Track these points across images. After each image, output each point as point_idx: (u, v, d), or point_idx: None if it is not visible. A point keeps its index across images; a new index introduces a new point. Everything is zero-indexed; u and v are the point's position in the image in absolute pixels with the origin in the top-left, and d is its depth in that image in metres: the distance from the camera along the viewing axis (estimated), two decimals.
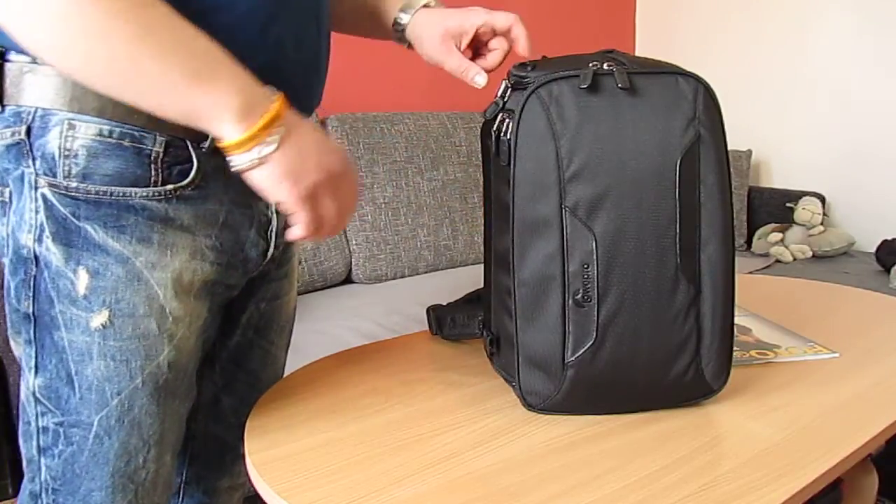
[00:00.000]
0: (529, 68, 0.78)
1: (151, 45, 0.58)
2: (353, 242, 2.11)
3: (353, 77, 2.37)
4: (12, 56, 0.66)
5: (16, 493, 1.63)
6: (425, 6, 0.89)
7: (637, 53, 3.04)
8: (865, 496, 1.13)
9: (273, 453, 0.72)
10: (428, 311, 1.04)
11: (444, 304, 1.04)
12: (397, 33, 0.91)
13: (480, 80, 0.86)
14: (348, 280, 2.14)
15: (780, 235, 2.55)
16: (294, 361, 1.00)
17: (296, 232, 0.68)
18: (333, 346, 1.45)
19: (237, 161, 0.63)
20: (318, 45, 0.79)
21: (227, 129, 0.61)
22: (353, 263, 2.11)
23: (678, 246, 0.75)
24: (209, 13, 0.65)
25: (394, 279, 2.17)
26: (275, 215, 0.82)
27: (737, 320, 1.07)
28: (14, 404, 1.60)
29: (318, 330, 1.67)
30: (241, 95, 0.61)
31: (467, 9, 0.87)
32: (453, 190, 2.30)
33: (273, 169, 0.63)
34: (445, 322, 1.00)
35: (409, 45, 0.91)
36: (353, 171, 0.71)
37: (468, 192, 2.33)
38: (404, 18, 0.89)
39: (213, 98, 0.60)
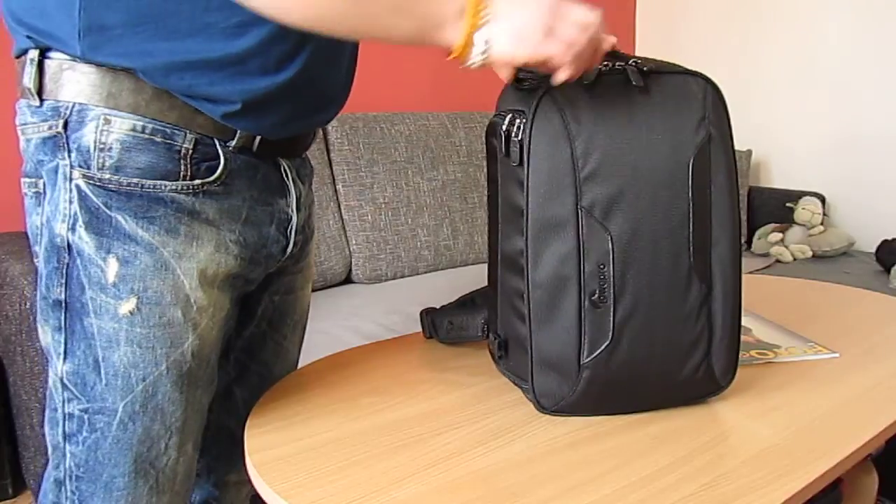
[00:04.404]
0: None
1: None
2: (353, 242, 2.11)
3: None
4: (52, 53, 0.69)
5: (16, 493, 1.62)
6: None
7: (637, 53, 3.04)
8: (865, 496, 1.13)
9: (273, 453, 0.72)
10: (421, 314, 1.03)
11: (437, 307, 1.03)
12: None
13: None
14: (348, 280, 2.14)
15: (780, 235, 2.55)
16: None
17: (562, 75, 0.68)
18: (333, 346, 1.45)
19: (471, 58, 0.65)
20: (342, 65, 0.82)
21: (452, 31, 0.65)
22: (352, 263, 2.11)
23: (691, 245, 0.75)
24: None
25: (394, 279, 2.16)
26: (294, 213, 0.84)
27: None
28: (14, 404, 1.60)
29: (318, 330, 1.66)
30: (450, 2, 0.64)
31: None
32: (453, 190, 2.30)
33: (502, 42, 0.65)
34: (442, 325, 0.99)
35: None
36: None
37: (468, 192, 2.33)
38: None
39: (435, 9, 0.64)
